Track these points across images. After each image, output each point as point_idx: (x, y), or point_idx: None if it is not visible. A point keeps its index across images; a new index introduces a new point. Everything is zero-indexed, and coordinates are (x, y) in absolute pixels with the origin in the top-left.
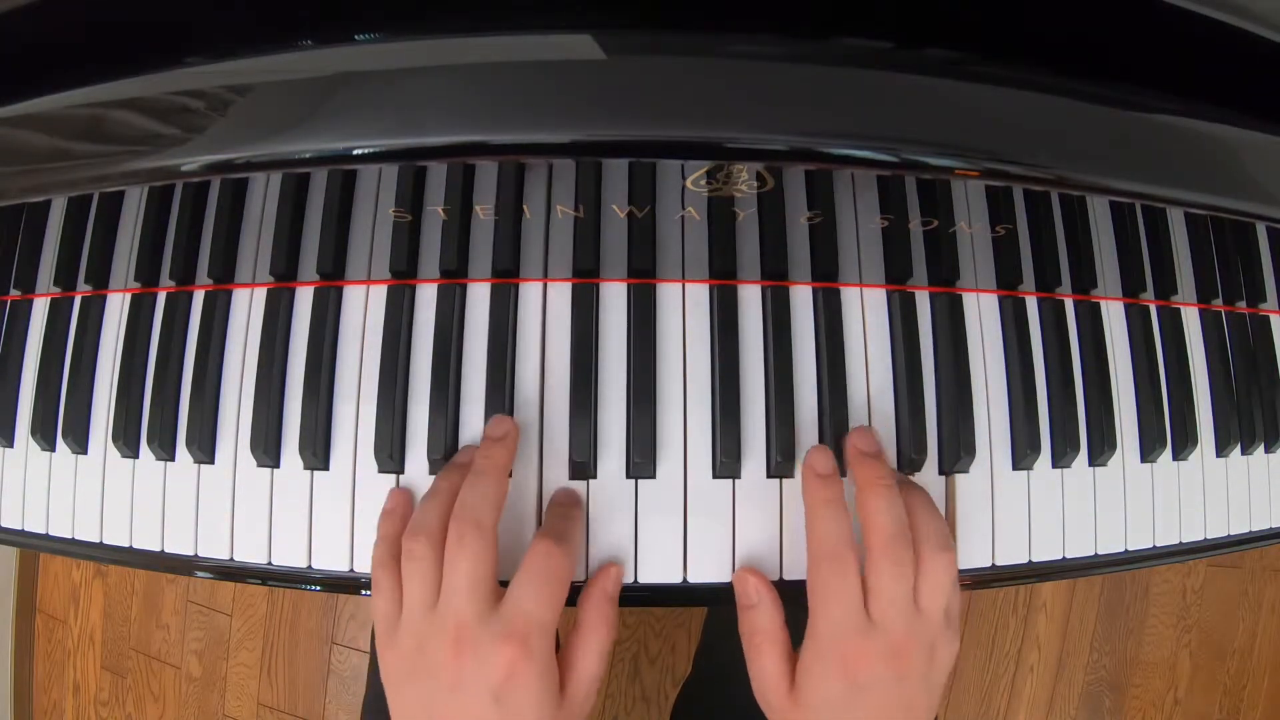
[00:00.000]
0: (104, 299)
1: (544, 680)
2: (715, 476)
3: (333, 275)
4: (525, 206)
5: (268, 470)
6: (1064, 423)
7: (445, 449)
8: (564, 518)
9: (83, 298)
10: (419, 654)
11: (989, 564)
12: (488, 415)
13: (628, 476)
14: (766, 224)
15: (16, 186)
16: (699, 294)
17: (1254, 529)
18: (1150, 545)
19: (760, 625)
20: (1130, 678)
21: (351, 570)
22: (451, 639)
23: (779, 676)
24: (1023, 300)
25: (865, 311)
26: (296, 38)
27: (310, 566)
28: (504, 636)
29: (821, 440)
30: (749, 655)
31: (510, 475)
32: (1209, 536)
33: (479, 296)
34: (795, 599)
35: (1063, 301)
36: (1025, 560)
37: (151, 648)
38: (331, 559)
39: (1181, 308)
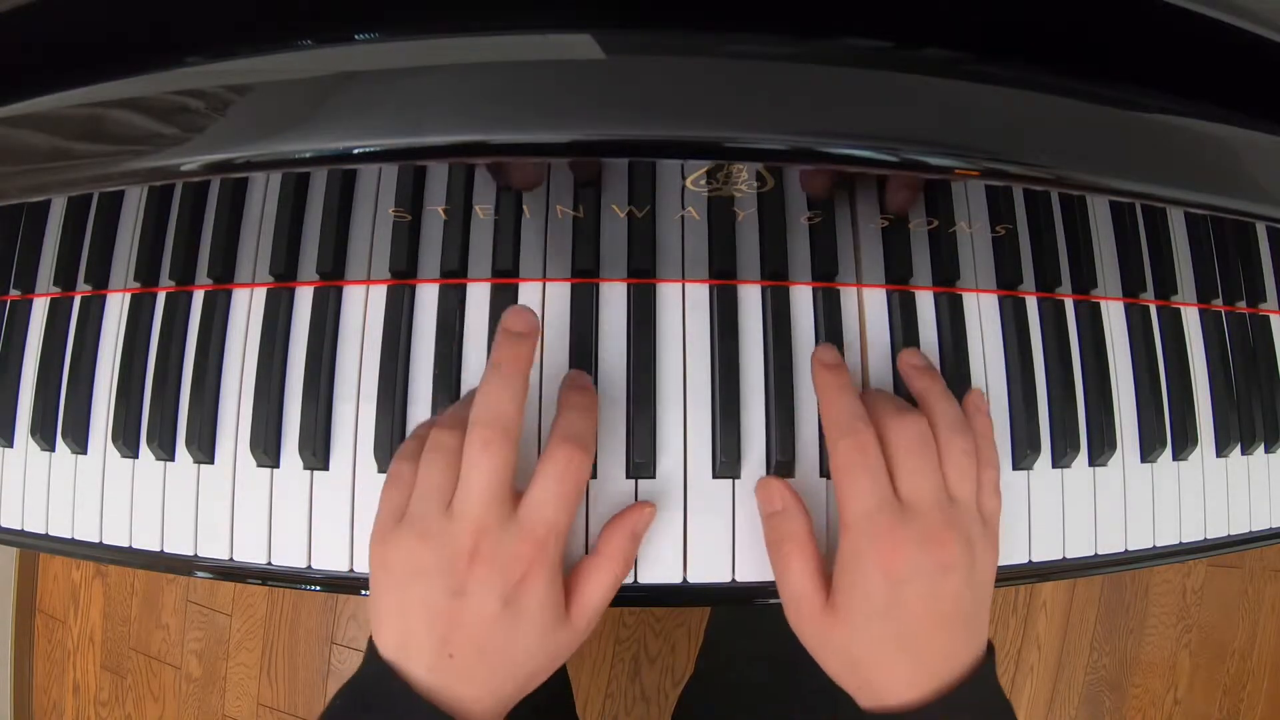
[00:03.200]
0: (104, 299)
1: (552, 587)
2: (715, 476)
3: (332, 275)
4: (525, 206)
5: (267, 470)
6: (1064, 423)
7: None
8: (581, 418)
9: (82, 298)
10: (428, 551)
11: None
12: None
13: (628, 477)
14: (766, 224)
15: (16, 186)
16: (699, 294)
17: (1254, 529)
18: (1150, 545)
19: (786, 530)
20: (1130, 678)
21: (351, 570)
22: (468, 543)
23: (811, 587)
24: (1023, 300)
25: (865, 312)
26: (296, 37)
27: (310, 566)
28: (521, 539)
29: (820, 441)
30: (777, 569)
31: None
32: (1209, 536)
33: (479, 296)
34: None
35: (1063, 301)
36: (1025, 560)
37: (151, 648)
38: (331, 559)
39: (1181, 308)
